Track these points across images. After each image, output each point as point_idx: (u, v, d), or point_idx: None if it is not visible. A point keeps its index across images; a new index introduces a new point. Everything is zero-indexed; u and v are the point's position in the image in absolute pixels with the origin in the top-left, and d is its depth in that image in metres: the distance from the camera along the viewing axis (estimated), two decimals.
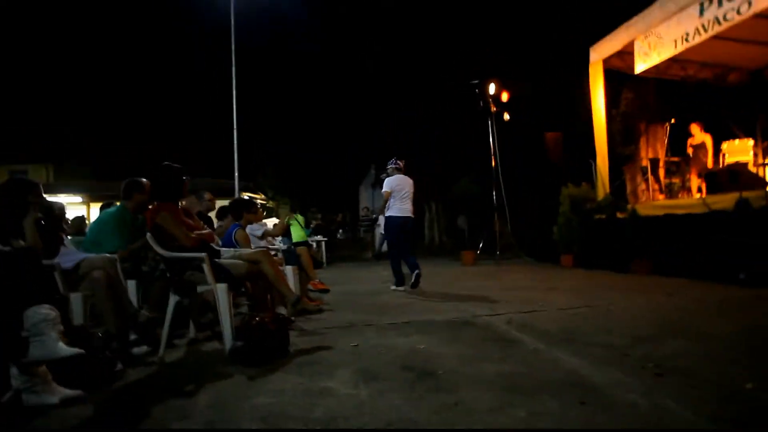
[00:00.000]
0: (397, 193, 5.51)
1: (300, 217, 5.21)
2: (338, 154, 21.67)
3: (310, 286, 4.83)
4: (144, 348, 2.92)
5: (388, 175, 5.78)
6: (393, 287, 5.46)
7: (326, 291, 4.94)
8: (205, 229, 3.13)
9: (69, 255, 2.80)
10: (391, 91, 16.19)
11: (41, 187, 2.52)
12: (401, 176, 5.66)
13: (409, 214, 5.55)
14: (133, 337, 2.92)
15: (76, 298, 2.55)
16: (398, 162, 5.77)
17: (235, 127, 12.99)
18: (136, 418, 1.81)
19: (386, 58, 16.00)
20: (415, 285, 5.12)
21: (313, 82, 21.20)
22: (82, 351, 1.92)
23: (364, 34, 16.70)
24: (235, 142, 13.00)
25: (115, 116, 27.86)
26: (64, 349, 1.87)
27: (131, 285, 3.29)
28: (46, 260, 2.33)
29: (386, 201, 5.65)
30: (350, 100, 18.52)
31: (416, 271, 5.13)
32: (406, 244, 5.63)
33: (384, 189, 5.70)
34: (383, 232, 12.44)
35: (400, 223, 5.46)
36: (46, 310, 1.89)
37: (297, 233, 6.61)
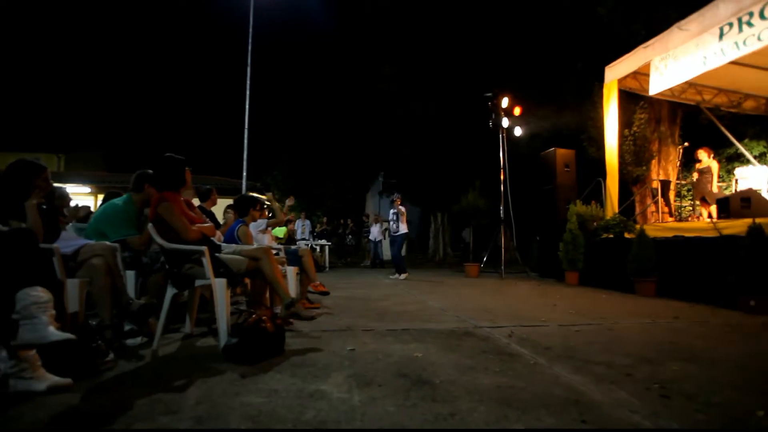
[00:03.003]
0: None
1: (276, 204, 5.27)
2: (347, 160, 21.68)
3: (310, 288, 4.80)
4: (138, 340, 2.90)
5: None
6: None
7: (326, 293, 4.90)
8: (207, 223, 3.10)
9: (69, 240, 2.79)
10: (404, 100, 16.25)
11: (48, 171, 2.51)
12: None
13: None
14: (127, 327, 2.90)
15: (72, 284, 2.51)
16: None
17: (246, 126, 13.05)
18: (122, 409, 1.77)
19: (400, 67, 16.08)
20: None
21: (326, 88, 21.30)
22: (73, 337, 1.88)
23: (379, 43, 16.83)
24: (246, 141, 13.06)
25: (128, 109, 28.21)
26: (54, 333, 1.84)
27: (130, 276, 3.28)
28: (45, 244, 2.31)
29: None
30: (362, 107, 18.59)
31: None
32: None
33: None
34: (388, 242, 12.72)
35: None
36: (38, 293, 1.86)
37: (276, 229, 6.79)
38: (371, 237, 14.01)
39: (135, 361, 2.51)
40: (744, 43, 5.32)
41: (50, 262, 2.31)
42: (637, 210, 9.38)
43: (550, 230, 8.47)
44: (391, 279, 8.41)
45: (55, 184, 3.10)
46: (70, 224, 3.67)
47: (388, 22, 16.31)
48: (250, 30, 13.33)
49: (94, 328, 2.55)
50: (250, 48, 13.32)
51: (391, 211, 9.03)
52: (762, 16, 5.05)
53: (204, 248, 2.73)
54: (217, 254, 2.87)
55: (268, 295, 3.51)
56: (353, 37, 18.26)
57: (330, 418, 1.68)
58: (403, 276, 8.46)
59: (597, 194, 8.30)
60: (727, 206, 6.13)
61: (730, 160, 9.73)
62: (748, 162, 8.63)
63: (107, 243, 2.90)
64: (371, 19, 16.82)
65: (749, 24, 5.21)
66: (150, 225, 2.80)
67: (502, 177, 9.15)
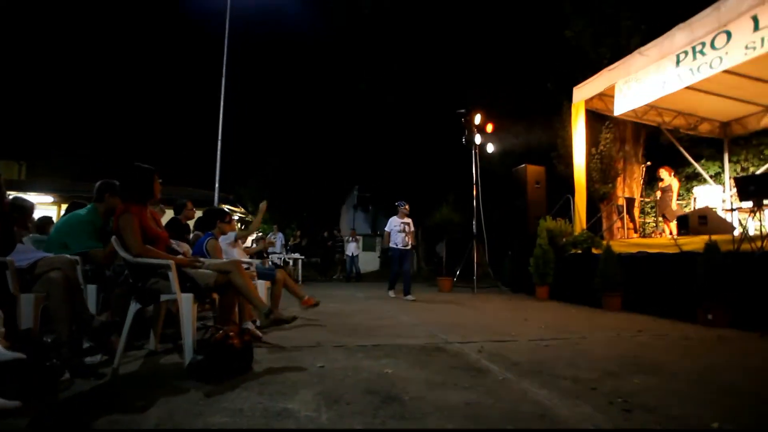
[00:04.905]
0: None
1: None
2: (322, 173, 21.62)
3: (302, 306, 4.60)
4: (98, 357, 2.77)
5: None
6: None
7: (316, 305, 4.68)
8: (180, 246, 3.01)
9: (26, 253, 2.66)
10: (378, 115, 16.42)
11: (2, 178, 2.40)
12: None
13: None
14: (86, 345, 2.77)
15: (26, 299, 2.39)
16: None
17: (219, 136, 12.87)
18: None
19: (375, 83, 16.28)
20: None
21: (302, 99, 21.29)
22: (23, 356, 1.78)
23: (355, 58, 17.01)
24: (219, 151, 12.86)
25: (94, 118, 27.35)
26: (2, 353, 1.74)
27: (91, 290, 3.15)
28: None
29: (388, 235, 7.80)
30: (337, 120, 18.67)
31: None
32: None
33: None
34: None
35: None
36: None
37: None
38: (348, 252, 13.96)
39: (93, 380, 2.39)
40: (698, 69, 5.66)
41: (2, 276, 2.20)
42: (604, 226, 9.70)
43: (521, 245, 8.64)
44: (409, 299, 7.28)
45: (19, 194, 2.96)
46: (29, 236, 3.50)
47: (364, 38, 16.54)
48: (226, 42, 13.25)
49: (50, 345, 2.43)
50: (225, 59, 13.22)
51: (400, 221, 7.72)
52: (713, 46, 5.40)
53: (170, 262, 2.66)
54: (183, 268, 2.79)
55: (237, 310, 3.43)
56: (329, 52, 18.41)
57: None
58: (409, 296, 7.38)
59: (566, 210, 8.54)
60: (687, 223, 6.41)
61: (689, 179, 10.21)
62: (705, 181, 9.09)
63: (66, 256, 2.78)
64: (348, 35, 17.03)
65: (702, 53, 5.56)
66: (114, 238, 2.70)
67: (474, 192, 9.31)
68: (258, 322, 3.78)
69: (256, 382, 2.37)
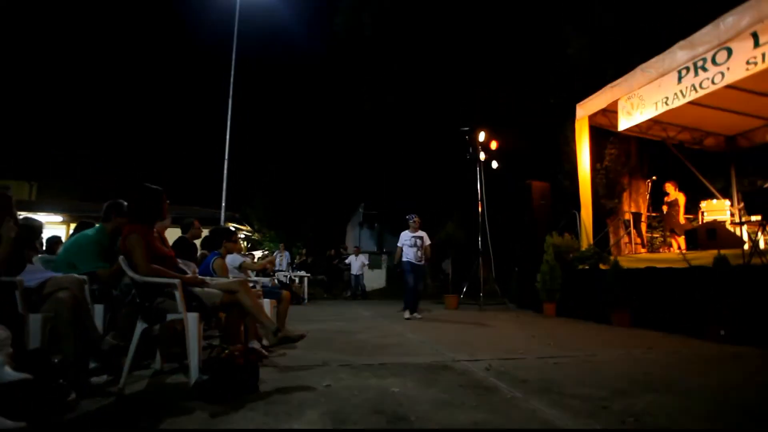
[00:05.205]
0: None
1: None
2: (328, 191, 21.75)
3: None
4: (104, 377, 2.76)
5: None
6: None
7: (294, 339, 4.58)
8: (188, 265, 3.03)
9: (34, 273, 2.69)
10: (383, 133, 16.58)
11: (10, 199, 2.44)
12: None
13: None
14: (93, 365, 2.77)
15: (35, 319, 2.40)
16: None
17: (226, 156, 13.04)
18: None
19: (380, 101, 16.50)
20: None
21: (308, 118, 21.60)
22: (29, 377, 1.79)
23: (361, 77, 17.28)
24: (225, 170, 13.01)
25: (104, 138, 27.86)
26: (8, 373, 1.74)
27: (98, 309, 3.16)
28: (6, 277, 2.22)
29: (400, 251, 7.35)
30: (343, 138, 18.86)
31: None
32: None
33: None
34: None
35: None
36: None
37: None
38: (353, 270, 13.92)
39: (99, 401, 2.39)
40: (700, 85, 5.69)
41: (11, 297, 2.22)
42: (611, 241, 9.62)
43: (528, 261, 8.58)
44: (416, 317, 7.01)
45: (28, 215, 3.01)
46: (38, 256, 3.54)
47: (369, 57, 16.83)
48: (233, 63, 13.56)
49: (56, 365, 2.43)
50: (232, 80, 13.50)
51: (411, 235, 7.32)
52: (714, 62, 5.44)
53: (177, 281, 2.67)
54: (190, 287, 2.80)
55: (243, 329, 3.42)
56: (334, 70, 18.72)
57: None
58: (416, 314, 7.09)
59: (572, 226, 8.49)
60: (695, 238, 6.36)
61: (696, 193, 10.15)
62: (712, 195, 9.02)
63: (74, 275, 2.81)
64: (353, 53, 17.33)
65: (703, 68, 5.60)
66: (121, 257, 2.73)
67: (480, 209, 9.31)
68: (264, 341, 3.76)
69: (261, 401, 2.35)
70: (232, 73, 13.50)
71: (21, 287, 2.35)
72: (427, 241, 7.42)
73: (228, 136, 13.15)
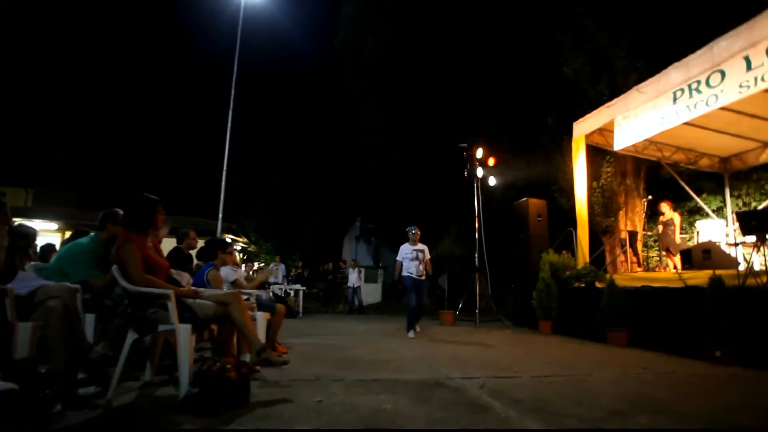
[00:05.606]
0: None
1: None
2: (325, 204, 21.80)
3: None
4: (92, 389, 2.71)
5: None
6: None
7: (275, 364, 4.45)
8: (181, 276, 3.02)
9: (26, 281, 2.66)
10: (381, 149, 16.70)
11: (5, 205, 2.43)
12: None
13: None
14: (81, 375, 2.72)
15: (24, 328, 2.37)
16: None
17: (225, 167, 13.07)
18: None
19: (378, 117, 16.66)
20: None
21: (304, 134, 21.82)
22: (15, 387, 1.76)
23: (360, 93, 17.46)
24: (224, 181, 13.03)
25: (104, 145, 27.95)
26: None
27: (90, 319, 3.12)
28: None
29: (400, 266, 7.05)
30: (340, 153, 18.99)
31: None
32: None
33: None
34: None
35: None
36: None
37: None
38: (350, 283, 13.84)
39: (86, 413, 2.34)
40: (695, 106, 5.77)
41: (1, 304, 2.19)
42: (608, 260, 9.64)
43: (524, 279, 8.56)
44: (412, 334, 6.68)
45: (23, 221, 3.00)
46: (30, 264, 3.51)
47: (369, 73, 17.04)
48: (234, 75, 13.69)
49: (43, 376, 2.39)
50: (233, 92, 13.62)
51: (412, 248, 7.03)
52: (708, 84, 5.53)
53: (170, 292, 2.65)
54: (182, 298, 2.78)
55: (235, 341, 3.38)
56: (333, 84, 18.94)
57: None
58: (411, 331, 6.72)
59: (568, 244, 8.50)
60: (690, 257, 6.38)
61: (691, 213, 10.20)
62: (707, 215, 9.07)
63: (66, 284, 2.77)
64: (352, 68, 17.55)
65: (698, 90, 5.69)
66: (114, 267, 2.71)
67: (477, 225, 9.32)
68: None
69: (251, 416, 2.31)
70: (233, 83, 13.62)
71: (11, 295, 2.32)
72: (428, 255, 7.15)
73: (227, 148, 13.20)
